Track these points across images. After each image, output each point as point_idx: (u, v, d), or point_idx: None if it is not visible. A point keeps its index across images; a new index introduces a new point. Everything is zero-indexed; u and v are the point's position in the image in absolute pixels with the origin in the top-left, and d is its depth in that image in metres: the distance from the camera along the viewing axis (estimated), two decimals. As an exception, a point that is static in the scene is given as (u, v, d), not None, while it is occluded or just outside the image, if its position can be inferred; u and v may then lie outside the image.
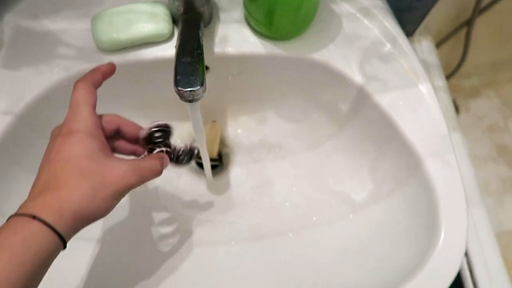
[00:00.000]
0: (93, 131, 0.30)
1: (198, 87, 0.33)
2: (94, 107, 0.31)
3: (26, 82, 0.44)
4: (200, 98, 0.34)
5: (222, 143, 0.58)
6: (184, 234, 0.52)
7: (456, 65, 0.97)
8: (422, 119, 0.45)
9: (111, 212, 0.50)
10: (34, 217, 0.26)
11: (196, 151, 0.40)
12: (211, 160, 0.56)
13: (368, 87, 0.46)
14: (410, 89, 0.46)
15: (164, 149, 0.37)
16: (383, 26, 0.48)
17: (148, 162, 0.33)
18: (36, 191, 0.28)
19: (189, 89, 0.33)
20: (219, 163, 0.57)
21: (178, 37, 0.39)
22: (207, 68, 0.48)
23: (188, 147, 0.40)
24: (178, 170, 0.56)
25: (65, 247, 0.28)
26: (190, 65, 0.35)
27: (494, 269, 0.59)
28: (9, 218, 0.27)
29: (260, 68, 0.49)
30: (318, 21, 0.47)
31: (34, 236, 0.25)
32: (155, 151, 0.36)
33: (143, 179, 0.31)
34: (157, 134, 0.36)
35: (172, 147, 0.38)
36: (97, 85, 0.33)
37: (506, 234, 1.05)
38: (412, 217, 0.45)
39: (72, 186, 0.28)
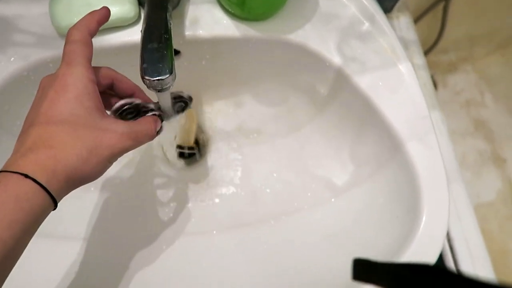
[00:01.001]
0: (89, 87, 0.28)
1: (167, 75, 0.31)
2: (90, 60, 0.29)
3: (-19, 73, 0.40)
4: (170, 87, 0.32)
5: (199, 130, 0.56)
6: (163, 225, 0.50)
7: (433, 40, 0.97)
8: (402, 100, 0.44)
9: (88, 207, 0.49)
10: (26, 176, 0.25)
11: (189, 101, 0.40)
12: (188, 148, 0.54)
13: (346, 68, 0.44)
14: (390, 69, 0.44)
15: (157, 112, 0.35)
16: (361, 3, 0.46)
17: (143, 125, 0.31)
18: (26, 147, 0.26)
19: (157, 78, 0.31)
20: (197, 151, 0.55)
21: (143, 20, 0.36)
22: (178, 52, 0.46)
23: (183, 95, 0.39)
24: (152, 159, 0.54)
25: (55, 208, 0.27)
26: (157, 52, 0.32)
27: (474, 245, 0.60)
28: None
29: (234, 51, 0.46)
30: (293, 0, 0.45)
31: (26, 195, 0.24)
32: (148, 114, 0.34)
33: (137, 143, 0.30)
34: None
35: (157, 107, 0.36)
36: (93, 34, 0.30)
37: (484, 206, 1.07)
38: (394, 200, 0.45)
39: (67, 146, 0.26)
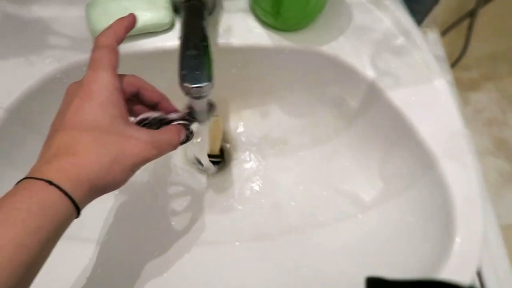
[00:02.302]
0: (114, 95, 0.28)
1: (206, 83, 0.31)
2: (116, 68, 0.29)
3: (15, 74, 0.41)
4: (207, 95, 0.32)
5: (224, 138, 0.55)
6: (185, 234, 0.49)
7: (456, 57, 0.96)
8: (436, 117, 0.43)
9: (110, 212, 0.49)
10: (50, 183, 0.24)
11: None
12: (213, 156, 0.54)
13: (380, 82, 0.43)
14: (424, 85, 0.43)
15: (182, 122, 0.34)
16: (396, 17, 0.45)
17: (167, 134, 0.31)
18: (50, 154, 0.26)
19: (196, 85, 0.31)
20: (221, 159, 0.55)
21: (181, 28, 0.36)
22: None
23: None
24: (177, 166, 0.53)
25: (78, 216, 0.26)
26: (196, 59, 0.32)
27: (501, 268, 0.58)
28: (20, 180, 0.25)
29: (265, 61, 0.46)
30: (327, 12, 0.45)
31: (51, 202, 0.24)
32: (173, 123, 0.34)
33: (160, 153, 0.30)
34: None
35: (183, 115, 0.35)
36: (120, 41, 0.30)
37: (505, 228, 1.04)
38: (425, 219, 0.43)
39: (91, 154, 0.26)
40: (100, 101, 0.27)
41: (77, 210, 0.26)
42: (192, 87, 0.31)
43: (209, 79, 0.31)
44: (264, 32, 0.44)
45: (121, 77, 0.30)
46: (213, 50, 0.43)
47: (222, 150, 0.55)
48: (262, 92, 0.52)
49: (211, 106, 0.39)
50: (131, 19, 0.32)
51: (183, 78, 0.31)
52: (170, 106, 0.35)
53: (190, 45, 0.33)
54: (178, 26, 0.44)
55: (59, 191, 0.24)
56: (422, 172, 0.44)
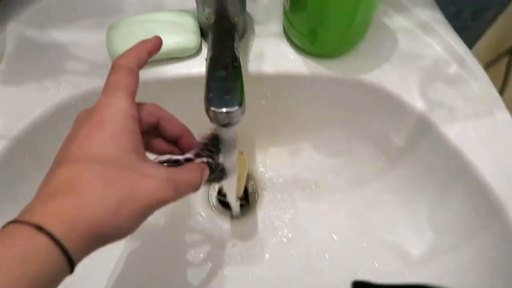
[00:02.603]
0: (129, 125, 0.24)
1: (236, 108, 0.26)
2: (134, 94, 0.25)
3: (27, 100, 0.37)
4: (237, 122, 0.27)
5: (249, 178, 0.50)
6: (201, 286, 0.43)
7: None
8: (500, 155, 0.36)
9: (118, 262, 0.43)
10: (40, 228, 0.20)
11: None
12: (236, 198, 0.48)
13: (432, 115, 0.38)
14: (485, 118, 0.37)
15: (206, 160, 0.29)
16: (447, 43, 0.40)
17: (187, 174, 0.26)
18: (47, 192, 0.22)
19: (224, 109, 0.26)
20: (245, 202, 0.49)
21: (209, 48, 0.32)
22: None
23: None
24: (197, 208, 0.48)
25: (71, 271, 0.21)
26: (225, 81, 0.27)
27: None
28: (8, 224, 0.20)
29: (299, 90, 0.41)
30: (369, 37, 0.40)
31: (37, 254, 0.19)
32: (195, 160, 0.29)
33: (179, 194, 0.25)
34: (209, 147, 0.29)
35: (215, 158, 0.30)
36: (142, 65, 0.27)
37: None
38: (491, 280, 0.36)
39: (95, 193, 0.22)
40: (112, 130, 0.23)
41: (71, 264, 0.21)
42: (221, 112, 0.26)
43: (240, 103, 0.26)
44: (298, 59, 0.40)
45: (139, 105, 0.26)
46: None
47: (246, 192, 0.50)
48: (293, 127, 0.47)
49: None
50: (156, 42, 0.28)
51: (209, 102, 0.26)
52: (193, 140, 0.30)
53: (219, 65, 0.29)
54: (205, 51, 0.40)
55: (49, 239, 0.20)
56: (485, 221, 0.36)
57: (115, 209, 0.22)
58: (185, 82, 0.39)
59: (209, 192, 0.49)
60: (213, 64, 0.29)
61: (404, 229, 0.43)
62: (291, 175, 0.50)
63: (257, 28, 0.41)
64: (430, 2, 0.44)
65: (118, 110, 0.24)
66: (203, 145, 0.30)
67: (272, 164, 0.50)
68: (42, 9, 0.40)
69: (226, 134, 0.28)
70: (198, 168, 0.28)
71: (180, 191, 0.25)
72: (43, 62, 0.39)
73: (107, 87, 0.25)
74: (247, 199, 0.49)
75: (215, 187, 0.50)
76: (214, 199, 0.49)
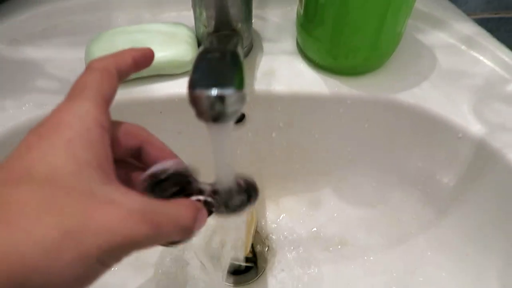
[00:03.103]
0: (93, 134, 0.18)
1: (231, 90, 0.18)
2: (108, 101, 0.19)
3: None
4: (235, 115, 0.19)
5: (258, 235, 0.40)
6: None
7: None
8: None
9: None
10: None
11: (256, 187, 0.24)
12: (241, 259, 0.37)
13: (493, 140, 0.29)
14: None
15: (202, 198, 0.21)
16: (498, 58, 0.33)
17: (175, 207, 0.18)
18: None
19: (213, 92, 0.18)
20: (253, 264, 0.39)
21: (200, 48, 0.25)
22: (242, 115, 0.34)
23: (244, 184, 0.23)
24: (185, 270, 0.37)
25: None
26: (218, 61, 0.20)
27: None
28: None
29: (319, 116, 0.34)
30: (401, 53, 0.33)
31: None
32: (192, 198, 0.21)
33: (159, 235, 0.17)
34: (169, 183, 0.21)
35: (208, 191, 0.22)
36: (123, 71, 0.21)
37: None
38: None
39: (29, 224, 0.14)
40: (68, 138, 0.17)
41: None
42: (207, 95, 0.18)
43: (239, 84, 0.18)
44: (317, 77, 0.33)
45: (117, 123, 0.21)
46: (248, 100, 0.32)
47: (254, 252, 0.39)
48: (311, 169, 0.39)
49: (249, 193, 0.25)
50: (146, 52, 0.22)
51: (193, 83, 0.18)
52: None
53: (213, 48, 0.21)
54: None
55: None
56: None
57: (56, 248, 0.14)
58: (178, 104, 0.32)
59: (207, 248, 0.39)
60: (205, 50, 0.21)
61: (468, 302, 0.32)
62: (311, 231, 0.40)
63: (266, 46, 0.35)
64: (465, 17, 0.37)
65: (80, 115, 0.17)
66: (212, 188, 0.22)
67: (286, 217, 0.41)
68: (17, 25, 0.35)
69: (215, 137, 0.20)
70: (193, 205, 0.20)
71: (161, 231, 0.17)
72: (9, 79, 0.32)
73: (71, 90, 0.19)
74: (255, 261, 0.39)
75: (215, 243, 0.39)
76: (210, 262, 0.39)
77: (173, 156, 0.23)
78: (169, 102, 0.32)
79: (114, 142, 0.20)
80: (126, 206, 0.16)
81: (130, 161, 0.22)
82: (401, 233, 0.36)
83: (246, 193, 0.25)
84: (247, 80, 0.32)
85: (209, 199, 0.22)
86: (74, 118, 0.17)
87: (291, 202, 0.41)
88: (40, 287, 0.14)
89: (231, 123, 0.19)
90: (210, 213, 0.22)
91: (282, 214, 0.41)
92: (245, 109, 0.33)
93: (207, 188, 0.23)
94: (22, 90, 0.32)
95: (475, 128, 0.30)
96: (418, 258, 0.35)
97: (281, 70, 0.33)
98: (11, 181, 0.16)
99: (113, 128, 0.20)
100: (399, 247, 0.36)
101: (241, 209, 0.25)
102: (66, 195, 0.15)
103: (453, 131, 0.30)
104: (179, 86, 0.32)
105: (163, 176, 0.20)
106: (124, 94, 0.31)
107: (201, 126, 0.19)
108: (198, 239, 0.39)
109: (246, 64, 0.33)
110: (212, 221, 0.23)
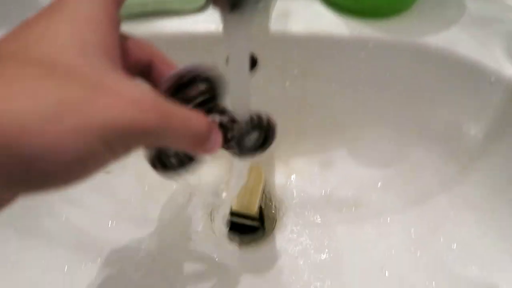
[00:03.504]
0: (102, 19, 0.15)
1: None
2: (118, 3, 0.17)
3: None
4: (255, 3, 0.16)
5: (266, 195, 0.38)
6: None
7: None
8: None
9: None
10: None
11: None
12: (248, 218, 0.35)
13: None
14: None
15: (219, 118, 0.19)
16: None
17: (185, 110, 0.16)
18: None
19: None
20: (259, 224, 0.36)
21: None
22: (255, 61, 0.31)
23: (260, 119, 0.22)
24: (190, 228, 0.35)
25: None
26: None
27: None
28: None
29: (337, 63, 0.31)
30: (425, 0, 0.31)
31: None
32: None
33: (166, 126, 0.15)
34: (195, 89, 0.19)
35: (229, 116, 0.20)
36: None
37: None
38: None
39: (24, 88, 0.12)
40: (73, 18, 0.15)
41: None
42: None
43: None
44: (337, 19, 0.30)
45: (126, 35, 0.19)
46: (262, 41, 0.30)
47: (261, 212, 0.37)
48: (325, 126, 0.36)
49: (266, 129, 0.23)
50: None
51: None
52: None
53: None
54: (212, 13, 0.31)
55: None
56: None
57: (54, 114, 0.12)
58: (186, 43, 0.30)
59: (212, 211, 0.37)
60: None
61: (494, 261, 0.30)
62: (323, 192, 0.37)
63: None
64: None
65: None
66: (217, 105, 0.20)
67: (297, 178, 0.38)
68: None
69: (235, 43, 0.18)
70: (207, 119, 0.18)
71: (170, 126, 0.15)
72: None
73: None
74: (263, 222, 0.37)
75: (221, 200, 0.37)
76: (218, 220, 0.37)
77: None
78: (176, 41, 0.30)
79: (123, 53, 0.18)
80: (135, 92, 0.14)
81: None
82: (420, 192, 0.34)
83: (263, 131, 0.23)
84: (261, 22, 0.30)
85: (227, 122, 0.20)
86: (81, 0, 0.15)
87: (302, 162, 0.39)
88: (34, 155, 0.12)
89: (250, 15, 0.17)
90: (225, 137, 0.20)
91: (292, 174, 0.38)
92: (258, 53, 0.31)
93: (228, 113, 0.20)
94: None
95: (509, 71, 0.27)
96: (438, 217, 0.33)
97: (298, 11, 0.31)
98: (4, 57, 0.14)
99: (122, 38, 0.18)
100: (418, 207, 0.34)
101: (255, 151, 0.23)
102: (68, 72, 0.13)
103: (485, 76, 0.28)
104: (188, 24, 0.30)
105: (190, 76, 0.18)
106: (129, 30, 0.29)
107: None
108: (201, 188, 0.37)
109: (260, 4, 0.31)
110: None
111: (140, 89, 0.14)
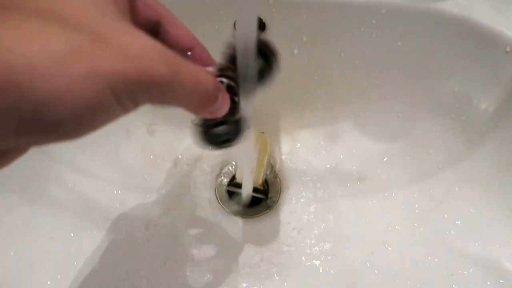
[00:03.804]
0: None
1: None
2: None
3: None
4: None
5: (271, 166, 0.37)
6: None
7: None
8: None
9: (109, 258, 0.30)
10: None
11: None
12: (253, 190, 0.35)
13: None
14: None
15: (225, 81, 0.19)
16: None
17: (193, 65, 0.16)
18: None
19: None
20: (264, 196, 0.36)
21: None
22: (263, 25, 0.31)
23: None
24: (194, 200, 0.35)
25: None
26: None
27: None
28: None
29: (347, 29, 0.30)
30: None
31: None
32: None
33: (175, 78, 0.14)
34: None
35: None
36: None
37: None
38: None
39: (31, 28, 0.12)
40: None
41: None
42: None
43: None
44: (349, -18, 0.29)
45: None
46: (270, 4, 0.29)
47: (266, 184, 0.37)
48: (332, 97, 0.36)
49: (268, 59, 0.22)
50: None
51: None
52: (207, 56, 0.20)
53: None
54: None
55: None
56: None
57: (63, 56, 0.12)
58: (196, 3, 0.29)
59: (216, 181, 0.37)
60: None
61: (498, 235, 0.30)
62: (328, 165, 0.37)
63: None
64: None
65: None
66: (223, 65, 0.20)
67: (302, 150, 0.38)
68: None
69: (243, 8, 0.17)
70: (215, 81, 0.17)
71: (179, 78, 0.14)
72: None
73: None
74: (267, 193, 0.36)
75: (223, 175, 0.37)
76: (222, 191, 0.36)
77: (194, 39, 0.20)
78: (184, 4, 0.29)
79: (132, 11, 0.17)
80: (144, 41, 0.14)
81: None
82: (426, 167, 0.34)
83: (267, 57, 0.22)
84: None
85: (231, 83, 0.19)
86: None
87: (308, 134, 0.38)
88: (45, 101, 0.11)
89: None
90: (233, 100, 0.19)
91: (298, 146, 0.38)
92: (266, 17, 0.30)
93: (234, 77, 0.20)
94: None
95: (526, 40, 0.26)
96: (443, 192, 0.33)
97: (309, -27, 0.29)
98: (10, 6, 0.13)
99: None
100: (423, 182, 0.34)
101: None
102: (77, 19, 0.13)
103: (500, 44, 0.27)
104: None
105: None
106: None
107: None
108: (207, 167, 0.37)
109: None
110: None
111: (149, 39, 0.14)
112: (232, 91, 0.19)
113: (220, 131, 0.22)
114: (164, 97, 0.15)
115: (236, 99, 0.20)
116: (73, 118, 0.12)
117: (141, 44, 0.13)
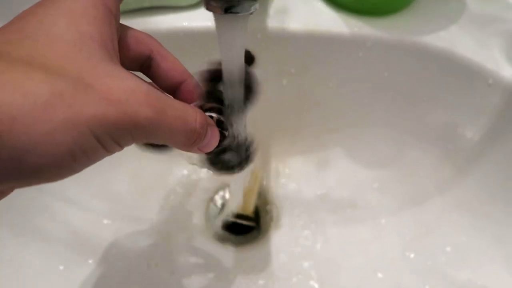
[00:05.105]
0: (99, 12, 0.15)
1: None
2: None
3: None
4: (250, 4, 0.16)
5: (262, 195, 0.38)
6: None
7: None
8: None
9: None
10: None
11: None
12: (244, 218, 0.35)
13: (528, 87, 0.26)
14: None
15: (215, 116, 0.20)
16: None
17: (179, 103, 0.16)
18: None
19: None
20: (255, 224, 0.36)
21: None
22: (252, 58, 0.31)
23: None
24: (185, 228, 0.35)
25: None
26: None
27: None
28: None
29: (335, 62, 0.31)
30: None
31: None
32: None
33: (161, 120, 0.14)
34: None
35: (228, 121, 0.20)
36: None
37: None
38: None
39: (14, 75, 0.12)
40: (69, 9, 0.15)
41: None
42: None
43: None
44: (336, 16, 0.30)
45: (126, 27, 0.18)
46: (258, 36, 0.30)
47: (257, 213, 0.37)
48: (322, 125, 0.36)
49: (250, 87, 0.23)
50: None
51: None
52: (197, 89, 0.21)
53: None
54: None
55: None
56: None
57: (44, 103, 0.12)
58: (183, 39, 0.29)
59: (208, 209, 0.37)
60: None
61: (485, 264, 0.30)
62: (319, 193, 0.37)
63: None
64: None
65: None
66: (210, 96, 0.20)
67: (293, 177, 0.38)
68: None
69: (227, 35, 0.17)
70: (203, 113, 0.18)
71: (165, 120, 0.15)
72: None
73: None
74: (258, 222, 0.36)
75: (217, 201, 0.37)
76: (213, 219, 0.36)
77: (186, 72, 0.20)
78: (172, 37, 0.29)
79: (123, 46, 0.18)
80: (130, 83, 0.14)
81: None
82: (416, 194, 0.34)
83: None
84: (258, 17, 0.30)
85: (221, 117, 0.20)
86: None
87: (299, 162, 0.38)
88: (26, 148, 0.12)
89: (244, 17, 0.16)
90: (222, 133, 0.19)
91: (288, 174, 0.38)
92: (255, 50, 0.31)
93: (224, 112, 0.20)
94: None
95: (507, 73, 0.27)
96: (434, 220, 0.33)
97: (296, 7, 0.30)
98: (14, 27, 0.14)
99: (122, 30, 0.18)
100: (414, 209, 0.34)
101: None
102: (60, 64, 0.13)
103: (483, 77, 0.28)
104: (184, 20, 0.29)
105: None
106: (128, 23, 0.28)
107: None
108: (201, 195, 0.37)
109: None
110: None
111: (134, 81, 0.14)
112: (221, 125, 0.20)
113: (225, 158, 0.23)
114: (150, 138, 0.15)
115: (226, 133, 0.20)
116: (54, 163, 0.12)
117: (126, 86, 0.14)
